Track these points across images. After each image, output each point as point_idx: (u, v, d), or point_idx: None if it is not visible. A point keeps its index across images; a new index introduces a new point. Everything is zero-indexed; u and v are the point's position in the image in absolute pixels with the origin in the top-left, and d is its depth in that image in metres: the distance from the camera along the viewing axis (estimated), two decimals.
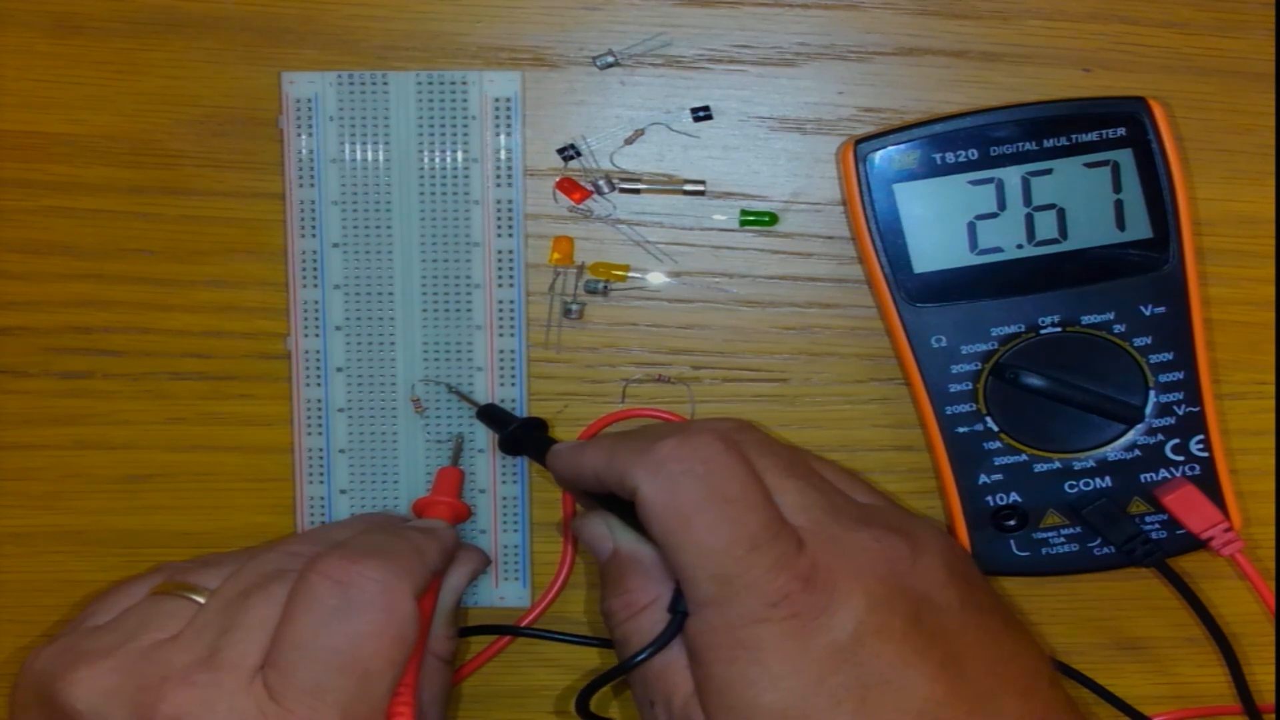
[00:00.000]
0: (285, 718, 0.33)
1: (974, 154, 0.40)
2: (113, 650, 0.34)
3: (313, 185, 0.42)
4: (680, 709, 0.35)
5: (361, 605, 0.34)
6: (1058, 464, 0.41)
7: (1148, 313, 0.41)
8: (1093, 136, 0.40)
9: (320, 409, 0.43)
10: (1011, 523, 0.42)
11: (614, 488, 0.36)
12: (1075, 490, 0.42)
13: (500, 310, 0.43)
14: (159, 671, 0.33)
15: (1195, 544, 0.42)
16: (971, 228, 0.41)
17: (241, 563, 0.37)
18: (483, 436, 0.43)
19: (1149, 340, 0.41)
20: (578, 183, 0.43)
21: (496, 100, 0.42)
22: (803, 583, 0.34)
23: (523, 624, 0.44)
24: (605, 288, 0.43)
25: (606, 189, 0.43)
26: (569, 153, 0.43)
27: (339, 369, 0.43)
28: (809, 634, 0.33)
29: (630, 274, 0.43)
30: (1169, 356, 0.41)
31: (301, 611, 0.34)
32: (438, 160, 0.42)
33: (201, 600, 0.35)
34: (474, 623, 0.44)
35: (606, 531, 0.38)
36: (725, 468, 0.35)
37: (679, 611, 0.35)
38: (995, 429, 0.41)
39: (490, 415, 0.42)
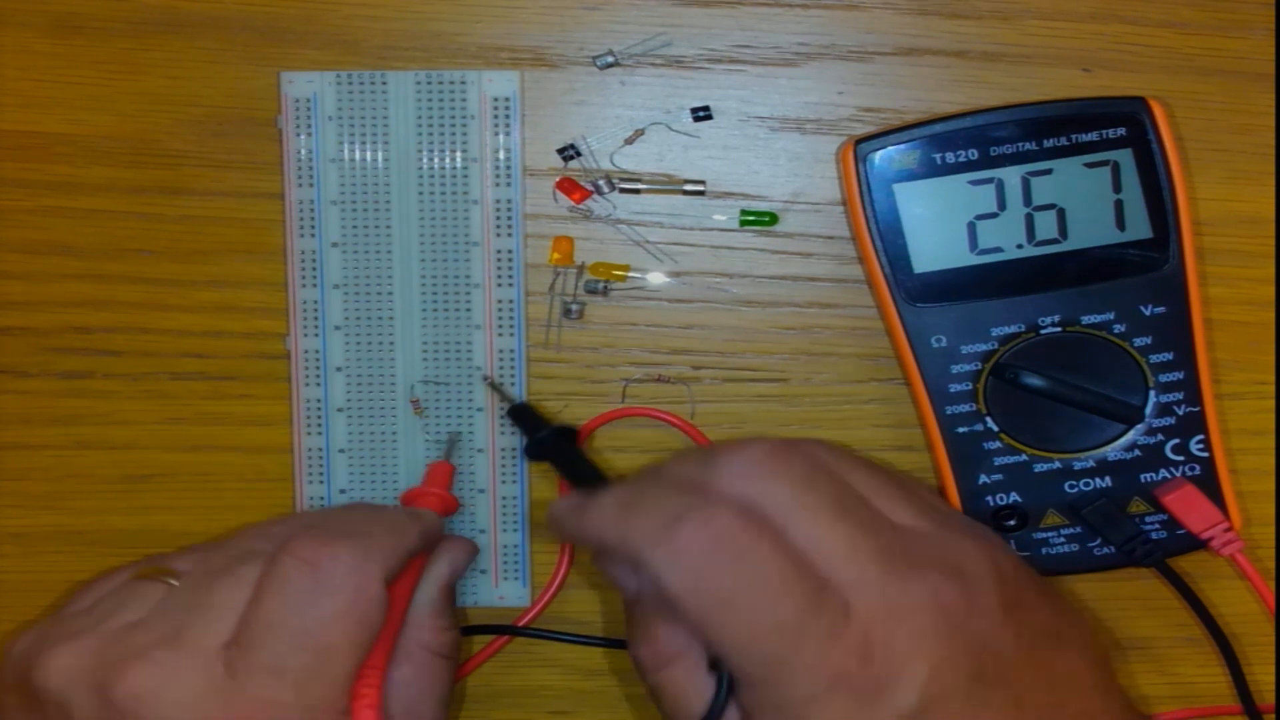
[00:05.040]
0: (239, 694, 0.33)
1: (974, 154, 0.40)
2: (83, 633, 0.34)
3: (312, 185, 0.42)
4: None
5: (329, 588, 0.34)
6: (1058, 464, 0.41)
7: (1148, 313, 0.41)
8: (1093, 136, 0.40)
9: (320, 409, 0.43)
10: (1011, 523, 0.42)
11: (630, 566, 0.34)
12: (1075, 490, 0.42)
13: (500, 310, 0.43)
14: (122, 652, 0.34)
15: (1195, 544, 0.42)
16: (971, 228, 0.41)
17: (218, 545, 0.37)
18: (482, 435, 0.43)
19: (1149, 340, 0.41)
20: (578, 183, 0.43)
21: (495, 100, 0.42)
22: (858, 659, 0.32)
23: (521, 623, 0.44)
24: (605, 288, 0.43)
25: (606, 189, 0.43)
26: (569, 153, 0.43)
27: (338, 369, 0.43)
28: (871, 708, 0.32)
29: (630, 274, 0.43)
30: (1169, 356, 0.41)
31: (270, 592, 0.34)
32: (437, 160, 0.42)
33: (176, 583, 0.36)
34: (474, 623, 0.44)
35: (631, 571, 0.36)
36: (752, 549, 0.32)
37: (724, 676, 0.34)
38: (995, 429, 0.41)
39: (521, 416, 0.42)
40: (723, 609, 0.32)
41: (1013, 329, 0.41)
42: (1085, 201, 0.40)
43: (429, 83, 0.42)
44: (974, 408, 0.41)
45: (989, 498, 0.42)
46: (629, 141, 0.43)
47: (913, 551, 0.34)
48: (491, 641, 0.44)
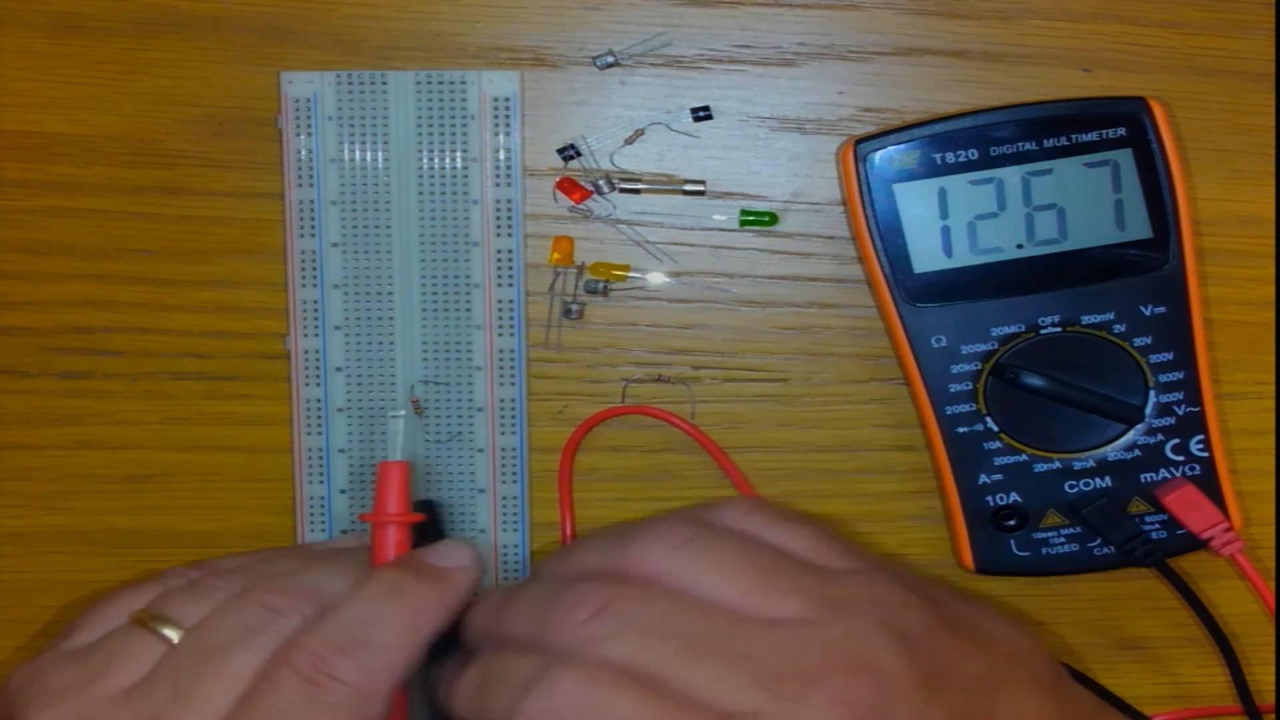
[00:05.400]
0: None
1: (974, 154, 0.40)
2: (71, 691, 0.34)
3: (312, 185, 0.42)
4: None
5: (327, 708, 0.33)
6: (1058, 464, 0.41)
7: (1148, 313, 0.41)
8: (1093, 136, 0.40)
9: (320, 409, 0.43)
10: (1011, 523, 0.42)
11: None
12: (1075, 490, 0.42)
13: (500, 310, 0.43)
14: None
15: (1195, 544, 0.42)
16: (971, 228, 0.41)
17: (225, 594, 0.35)
18: (482, 435, 0.43)
19: (1149, 340, 0.41)
20: (578, 183, 0.43)
21: (495, 100, 0.42)
22: None
23: None
24: (605, 288, 0.43)
25: (606, 189, 0.43)
26: (569, 153, 0.43)
27: (338, 369, 0.43)
28: None
29: (630, 274, 0.43)
30: (1169, 356, 0.41)
31: (264, 702, 0.33)
32: (437, 160, 0.42)
33: (173, 637, 0.35)
34: None
35: None
36: (608, 704, 0.30)
37: None
38: (995, 429, 0.41)
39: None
40: None
41: (1013, 329, 0.41)
42: (1085, 201, 0.41)
43: (429, 83, 0.42)
44: (974, 408, 0.41)
45: (989, 498, 0.42)
46: (629, 141, 0.43)
47: (803, 658, 0.30)
48: None
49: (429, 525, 0.40)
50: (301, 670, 0.33)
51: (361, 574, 0.36)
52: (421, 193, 0.42)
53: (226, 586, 0.36)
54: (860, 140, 0.41)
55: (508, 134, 0.42)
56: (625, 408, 0.43)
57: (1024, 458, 0.41)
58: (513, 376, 0.43)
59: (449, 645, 0.36)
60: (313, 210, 0.42)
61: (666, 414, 0.43)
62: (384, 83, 0.42)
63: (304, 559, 0.38)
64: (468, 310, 0.43)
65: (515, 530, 0.43)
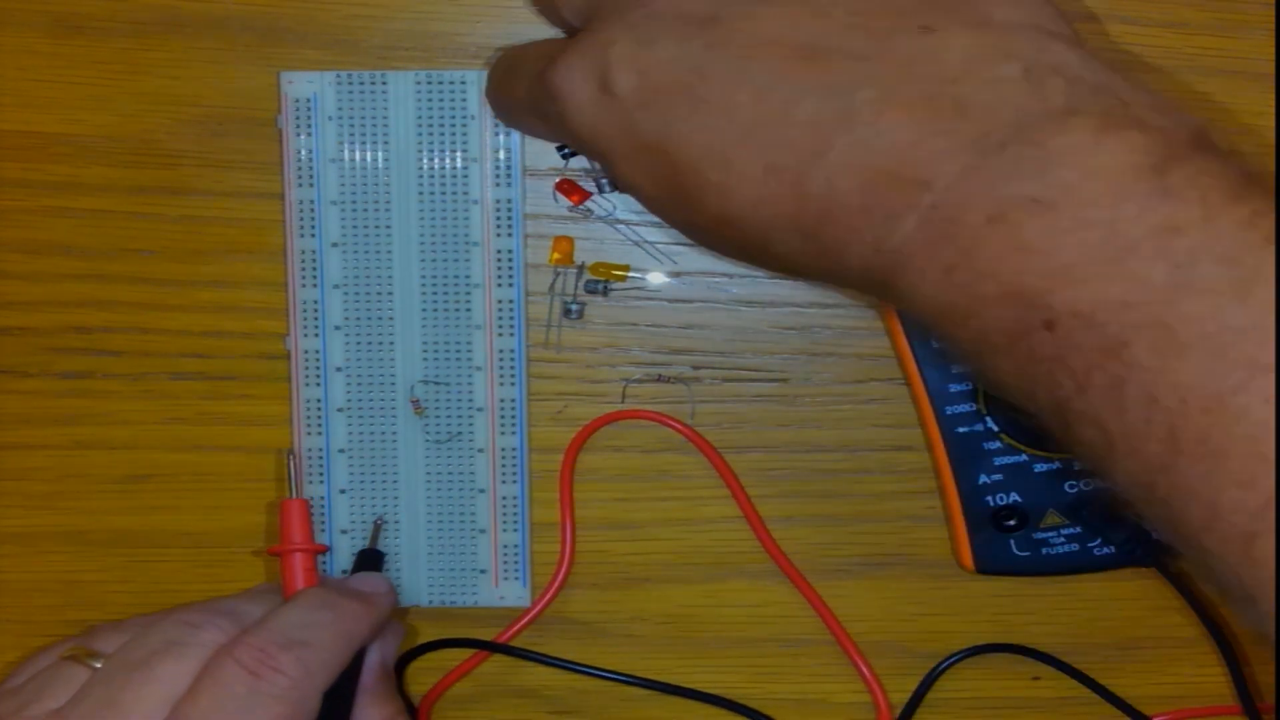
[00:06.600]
0: None
1: None
2: (5, 717, 0.35)
3: (312, 185, 0.42)
4: None
5: (267, 699, 0.35)
6: (1058, 464, 0.41)
7: None
8: None
9: (320, 409, 0.43)
10: (1011, 523, 0.42)
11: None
12: (1075, 490, 0.42)
13: (500, 310, 0.43)
14: None
15: None
16: None
17: (143, 628, 0.37)
18: (482, 434, 0.43)
19: None
20: (577, 183, 0.43)
21: None
22: None
23: (521, 624, 0.44)
24: (605, 288, 0.43)
25: (606, 189, 0.43)
26: (569, 152, 0.43)
27: (338, 369, 0.43)
28: None
29: (630, 274, 0.43)
30: None
31: (206, 692, 0.35)
32: (437, 160, 0.42)
33: (99, 666, 0.36)
34: (476, 623, 0.44)
35: None
36: None
37: None
38: (995, 429, 0.41)
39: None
40: None
41: None
42: None
43: (429, 83, 0.42)
44: (974, 408, 0.41)
45: (989, 498, 0.42)
46: None
47: None
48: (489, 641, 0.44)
49: (373, 567, 0.43)
50: (245, 663, 0.35)
51: (278, 599, 0.39)
52: (421, 193, 0.42)
53: (147, 621, 0.38)
54: None
55: (508, 134, 0.42)
56: (627, 411, 0.43)
57: (1024, 458, 0.41)
58: (513, 376, 0.43)
59: (350, 685, 0.39)
60: (313, 210, 0.42)
61: (666, 418, 0.43)
62: (384, 83, 0.42)
63: (217, 599, 0.40)
64: (468, 310, 0.43)
65: (515, 530, 0.44)
